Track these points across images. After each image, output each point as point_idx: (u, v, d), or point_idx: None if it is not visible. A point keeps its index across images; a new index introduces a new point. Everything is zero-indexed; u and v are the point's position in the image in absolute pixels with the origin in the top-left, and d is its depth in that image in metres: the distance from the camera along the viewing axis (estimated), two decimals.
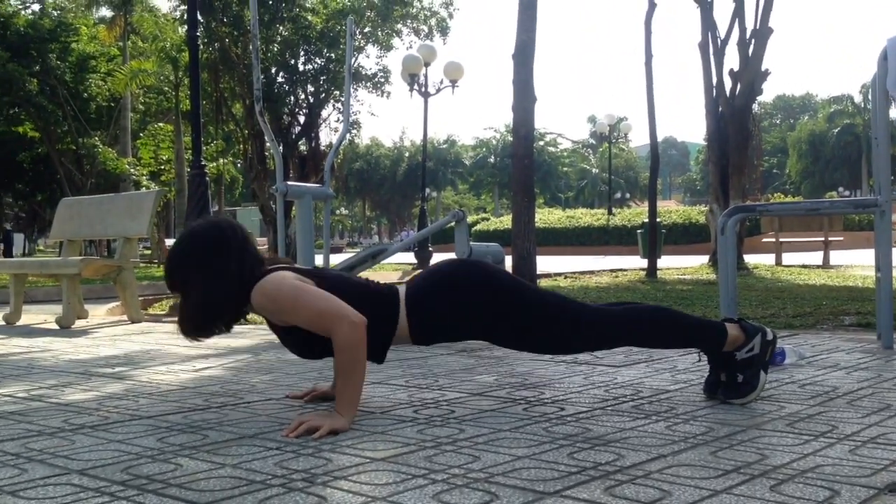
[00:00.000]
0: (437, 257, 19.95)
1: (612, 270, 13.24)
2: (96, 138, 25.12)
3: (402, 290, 2.54)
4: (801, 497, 1.70)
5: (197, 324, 2.42)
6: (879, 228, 3.95)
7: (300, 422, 2.28)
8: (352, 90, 18.32)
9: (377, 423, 2.43)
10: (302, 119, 18.60)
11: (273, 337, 4.89)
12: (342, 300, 2.33)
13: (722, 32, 13.35)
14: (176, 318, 2.52)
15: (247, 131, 17.82)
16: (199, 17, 12.97)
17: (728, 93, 13.24)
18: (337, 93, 18.18)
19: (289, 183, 4.81)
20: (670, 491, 1.75)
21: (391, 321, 2.47)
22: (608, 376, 3.27)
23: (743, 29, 13.16)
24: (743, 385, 2.62)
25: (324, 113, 18.87)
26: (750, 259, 14.44)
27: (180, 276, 2.42)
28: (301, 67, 18.55)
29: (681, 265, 14.92)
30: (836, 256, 16.03)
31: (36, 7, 26.02)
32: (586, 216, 36.93)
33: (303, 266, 2.65)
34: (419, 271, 2.76)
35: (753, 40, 13.05)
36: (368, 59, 35.71)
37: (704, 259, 15.33)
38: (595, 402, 2.75)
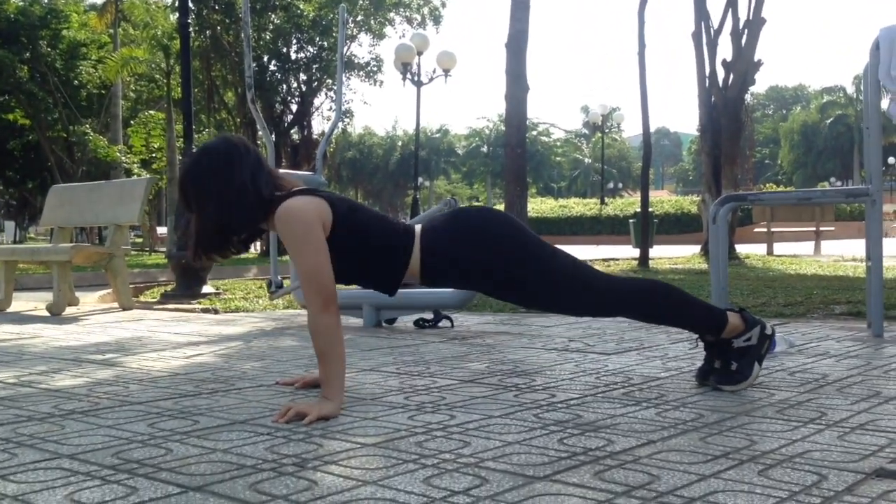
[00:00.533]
0: None
1: (604, 260, 13.26)
2: (87, 126, 24.99)
3: (418, 227, 2.53)
4: (789, 482, 1.71)
5: (212, 239, 2.38)
6: (870, 217, 3.97)
7: (289, 407, 2.28)
8: (344, 79, 18.30)
9: (368, 410, 2.43)
10: (294, 108, 18.55)
11: (265, 324, 4.93)
12: (362, 229, 2.40)
13: (715, 22, 13.37)
14: (189, 246, 2.45)
15: (239, 119, 17.77)
16: (191, 5, 12.91)
17: (721, 83, 13.26)
18: (329, 81, 18.13)
19: (280, 170, 4.80)
20: (659, 475, 1.76)
21: (404, 255, 2.45)
22: (599, 364, 3.28)
23: (736, 19, 13.17)
24: (736, 373, 2.64)
25: (316, 101, 18.83)
26: (742, 249, 14.48)
27: (194, 190, 2.37)
28: (293, 56, 18.49)
29: (673, 255, 14.96)
30: (828, 246, 16.09)
31: None
32: (579, 206, 36.97)
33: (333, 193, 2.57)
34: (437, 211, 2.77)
35: (746, 30, 13.07)
36: (361, 48, 35.64)
37: (696, 249, 15.38)
38: (586, 389, 2.76)
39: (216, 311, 6.09)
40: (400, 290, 4.74)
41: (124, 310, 6.23)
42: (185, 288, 7.02)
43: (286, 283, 4.78)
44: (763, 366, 2.78)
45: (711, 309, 2.69)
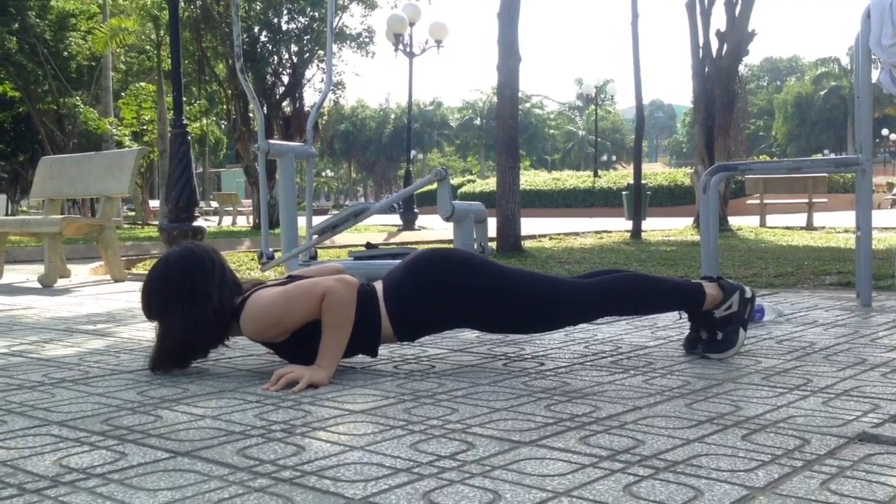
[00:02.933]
0: (423, 219, 19.98)
1: (596, 232, 13.28)
2: (77, 98, 24.77)
3: (379, 287, 2.50)
4: (772, 445, 1.73)
5: (175, 356, 2.44)
6: (860, 188, 3.98)
7: (280, 375, 2.29)
8: (335, 50, 18.15)
9: (357, 378, 2.45)
10: (286, 79, 18.41)
11: None
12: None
13: None
14: (150, 358, 2.48)
15: (230, 91, 17.63)
16: None
17: (714, 54, 13.20)
18: (321, 53, 17.97)
19: (270, 141, 4.79)
20: (643, 440, 1.78)
21: (374, 322, 2.44)
22: (589, 333, 3.30)
23: None
24: (722, 342, 2.66)
25: (308, 73, 18.67)
26: (734, 221, 14.50)
27: (159, 304, 2.39)
28: (284, 27, 18.31)
29: (666, 227, 14.98)
30: (821, 218, 16.13)
31: None
32: (572, 178, 36.90)
33: (277, 279, 2.61)
34: (398, 262, 2.68)
35: (740, 1, 12.98)
36: (353, 19, 35.23)
37: (689, 221, 15.40)
38: (574, 358, 2.77)
39: None
40: (368, 262, 4.77)
41: (116, 281, 6.22)
42: None
43: (277, 254, 4.77)
44: (751, 333, 2.80)
45: (686, 288, 2.69)
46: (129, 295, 5.22)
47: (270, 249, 4.84)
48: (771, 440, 1.77)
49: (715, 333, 2.66)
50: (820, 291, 4.80)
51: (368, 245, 4.95)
